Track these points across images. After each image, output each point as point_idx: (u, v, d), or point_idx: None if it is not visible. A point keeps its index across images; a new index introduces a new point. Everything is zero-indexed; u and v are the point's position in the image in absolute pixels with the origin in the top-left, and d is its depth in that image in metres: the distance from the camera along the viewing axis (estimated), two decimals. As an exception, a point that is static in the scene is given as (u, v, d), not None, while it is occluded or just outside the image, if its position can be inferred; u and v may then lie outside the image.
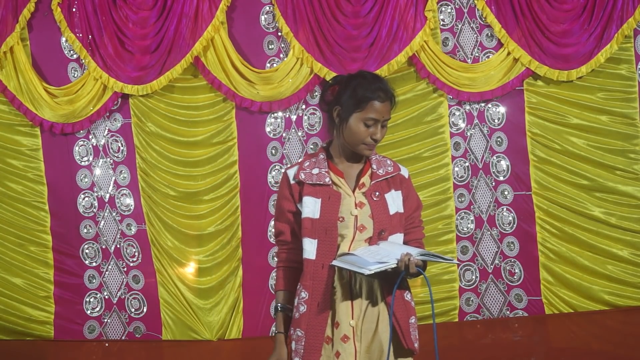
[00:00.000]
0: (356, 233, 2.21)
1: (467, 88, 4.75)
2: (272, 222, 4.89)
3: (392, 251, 2.11)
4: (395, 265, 2.06)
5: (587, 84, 4.73)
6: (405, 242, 2.29)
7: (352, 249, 2.19)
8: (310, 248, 2.21)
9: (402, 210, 2.27)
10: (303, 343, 2.19)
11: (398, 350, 2.21)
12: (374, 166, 2.28)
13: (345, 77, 2.27)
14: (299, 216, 2.24)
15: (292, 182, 2.29)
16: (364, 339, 2.20)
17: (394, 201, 2.25)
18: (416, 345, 2.22)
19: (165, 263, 4.93)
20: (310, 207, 2.21)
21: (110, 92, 4.87)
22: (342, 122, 2.23)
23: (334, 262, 2.16)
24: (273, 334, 2.34)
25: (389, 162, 2.33)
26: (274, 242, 4.88)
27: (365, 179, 2.27)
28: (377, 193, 2.23)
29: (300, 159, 4.89)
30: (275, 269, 5.08)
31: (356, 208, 2.22)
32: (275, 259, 4.91)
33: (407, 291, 2.27)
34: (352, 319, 2.19)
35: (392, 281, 2.13)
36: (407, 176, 2.35)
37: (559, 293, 4.80)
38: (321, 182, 2.23)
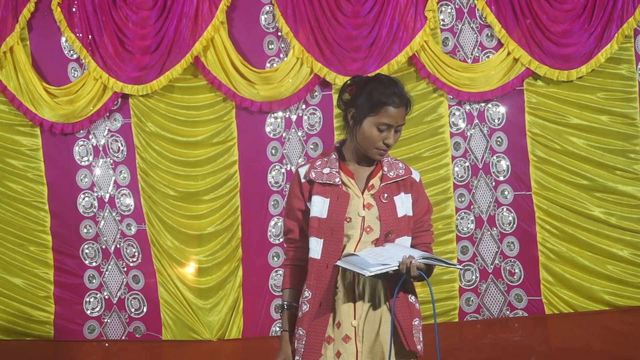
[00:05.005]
0: (363, 234, 2.21)
1: (467, 88, 4.75)
2: (272, 222, 4.89)
3: (395, 253, 2.11)
4: (396, 268, 2.06)
5: (587, 84, 4.74)
6: (413, 246, 2.28)
7: (358, 250, 2.19)
8: (316, 247, 2.21)
9: (410, 214, 2.27)
10: (304, 342, 2.20)
11: (400, 352, 2.20)
12: (385, 168, 2.28)
13: (362, 79, 2.27)
14: (309, 214, 2.24)
15: (302, 180, 2.29)
16: (366, 340, 2.20)
17: (403, 204, 2.25)
18: (419, 347, 2.22)
19: (165, 263, 4.93)
20: (319, 206, 2.22)
21: (110, 92, 4.86)
22: (355, 124, 2.23)
23: (338, 263, 2.16)
24: (278, 333, 2.34)
25: (400, 164, 2.32)
26: (273, 242, 4.88)
27: (375, 180, 2.27)
28: (386, 195, 2.23)
29: (301, 160, 4.91)
30: (274, 269, 5.11)
31: (364, 209, 2.22)
32: (275, 259, 4.94)
33: (411, 293, 2.26)
34: (354, 319, 2.19)
35: (395, 283, 2.13)
36: (418, 180, 2.34)
37: (559, 293, 4.80)
38: (331, 182, 2.23)
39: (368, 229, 2.21)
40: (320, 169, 2.27)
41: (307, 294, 2.22)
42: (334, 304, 2.21)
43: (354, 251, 2.18)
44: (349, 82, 2.30)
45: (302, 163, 2.42)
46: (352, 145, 2.28)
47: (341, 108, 2.31)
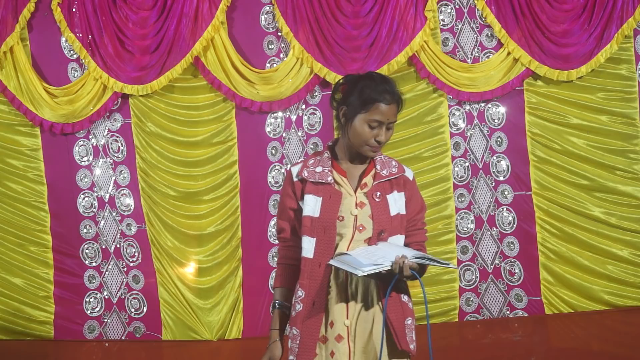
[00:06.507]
0: (355, 233, 2.20)
1: (467, 88, 4.75)
2: (272, 222, 4.89)
3: (389, 252, 2.10)
4: (389, 268, 2.06)
5: (587, 84, 4.74)
6: (406, 244, 2.27)
7: (351, 248, 2.18)
8: (308, 246, 2.20)
9: (404, 212, 2.26)
10: (298, 342, 2.19)
11: (393, 352, 2.20)
12: (378, 167, 2.28)
13: (354, 77, 2.27)
14: (301, 214, 2.24)
15: (295, 179, 2.29)
16: (359, 339, 2.19)
17: (396, 202, 2.24)
18: (412, 346, 2.21)
19: (165, 263, 4.94)
20: (311, 205, 2.21)
21: (110, 92, 4.87)
22: (347, 122, 2.23)
23: (331, 262, 2.16)
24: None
25: (393, 163, 2.31)
26: (273, 242, 4.88)
27: (368, 179, 2.26)
28: (379, 194, 2.23)
29: (301, 159, 4.91)
30: (274, 269, 5.10)
31: (356, 208, 2.21)
32: (275, 259, 4.93)
33: (404, 293, 2.26)
34: (347, 318, 2.19)
35: (388, 282, 2.12)
36: (411, 178, 2.33)
37: (559, 293, 4.80)
38: (323, 181, 2.23)
39: (361, 228, 2.20)
40: (313, 167, 2.27)
41: (300, 293, 2.21)
42: (327, 304, 2.20)
43: (347, 250, 2.18)
44: (341, 81, 2.30)
45: (295, 162, 2.42)
46: (344, 143, 2.28)
47: (334, 107, 2.30)
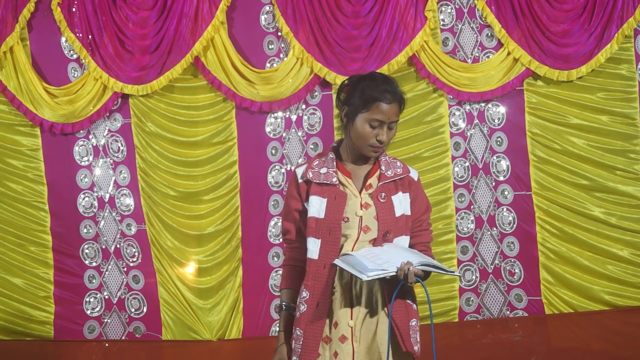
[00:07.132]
0: (360, 234, 2.20)
1: (467, 88, 4.75)
2: (272, 222, 4.89)
3: (394, 256, 2.09)
4: (394, 274, 2.06)
5: (587, 84, 4.74)
6: (411, 245, 2.28)
7: (356, 249, 2.18)
8: (313, 248, 2.20)
9: (409, 213, 2.26)
10: (301, 342, 2.20)
11: (397, 353, 2.20)
12: (383, 167, 2.27)
13: (357, 77, 2.27)
14: (306, 215, 2.24)
15: (300, 180, 2.28)
16: (363, 340, 2.19)
17: (401, 203, 2.24)
18: (416, 348, 2.21)
19: (165, 263, 4.93)
20: (316, 206, 2.21)
21: (110, 92, 4.87)
22: (349, 122, 2.23)
23: (336, 261, 2.16)
24: (276, 333, 2.34)
25: (398, 163, 2.31)
26: (273, 242, 4.88)
27: (373, 180, 2.26)
28: (384, 194, 2.22)
29: (300, 160, 4.91)
30: (274, 269, 5.12)
31: (361, 209, 2.21)
32: (275, 259, 4.94)
33: (408, 294, 2.26)
34: (351, 319, 2.19)
35: (392, 285, 2.12)
36: (416, 178, 2.33)
37: (559, 293, 4.80)
38: (328, 182, 2.23)
39: (366, 229, 2.20)
40: (318, 169, 2.26)
41: (304, 294, 2.21)
42: (331, 304, 2.20)
43: (352, 251, 2.18)
44: (345, 81, 2.30)
45: (300, 163, 2.42)
46: (348, 144, 2.28)
47: (339, 107, 2.31)
